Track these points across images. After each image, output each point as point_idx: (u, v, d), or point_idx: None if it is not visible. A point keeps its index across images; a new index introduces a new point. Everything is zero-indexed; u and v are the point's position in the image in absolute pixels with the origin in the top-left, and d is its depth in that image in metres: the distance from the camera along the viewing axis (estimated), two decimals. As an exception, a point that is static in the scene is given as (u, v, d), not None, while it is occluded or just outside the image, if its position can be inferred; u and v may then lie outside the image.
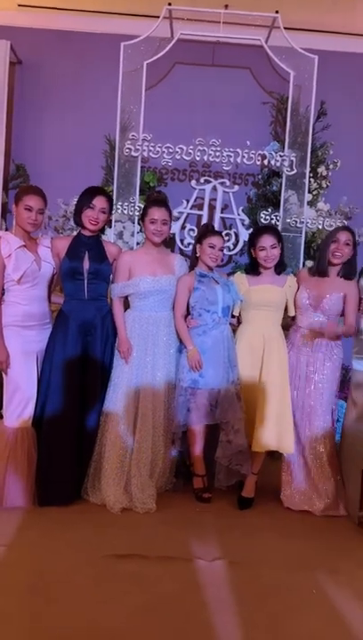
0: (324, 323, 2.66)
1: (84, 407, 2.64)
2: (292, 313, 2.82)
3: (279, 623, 1.86)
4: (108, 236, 3.52)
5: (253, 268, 2.83)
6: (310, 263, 3.47)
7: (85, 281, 2.63)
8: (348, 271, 2.72)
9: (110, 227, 3.54)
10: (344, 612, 1.95)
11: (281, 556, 2.30)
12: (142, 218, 2.79)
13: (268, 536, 2.47)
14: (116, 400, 2.66)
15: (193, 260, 2.87)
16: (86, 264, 2.63)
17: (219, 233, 2.91)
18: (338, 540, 2.47)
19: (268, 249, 2.71)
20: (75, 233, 2.79)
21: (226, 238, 3.52)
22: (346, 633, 1.83)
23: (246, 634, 1.79)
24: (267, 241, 2.72)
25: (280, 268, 2.81)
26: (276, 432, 2.67)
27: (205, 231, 2.85)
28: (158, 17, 3.45)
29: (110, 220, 3.52)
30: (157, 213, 2.72)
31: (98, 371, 2.67)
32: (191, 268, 2.86)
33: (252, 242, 2.79)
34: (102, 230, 3.60)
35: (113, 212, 3.47)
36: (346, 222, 3.58)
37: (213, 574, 2.12)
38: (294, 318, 2.84)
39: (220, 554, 2.26)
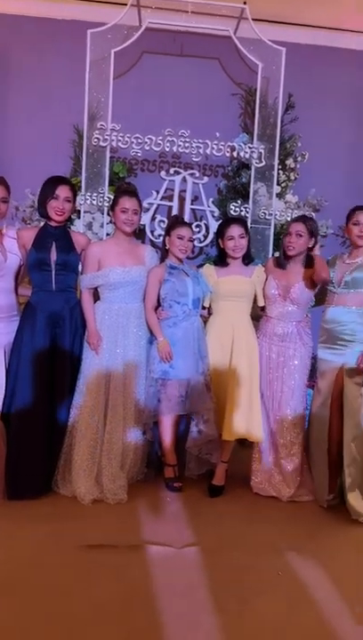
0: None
1: (54, 400, 2.63)
2: (261, 303, 2.86)
3: (247, 605, 1.91)
4: (78, 227, 3.49)
5: (221, 259, 2.85)
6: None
7: (53, 272, 2.60)
8: (308, 263, 2.74)
9: (79, 217, 3.50)
10: (309, 592, 2.01)
11: (249, 540, 2.35)
12: (113, 208, 2.78)
13: (237, 522, 2.52)
14: (87, 392, 2.65)
15: (163, 252, 2.88)
16: (54, 255, 2.60)
17: (187, 224, 2.92)
18: (304, 524, 2.54)
19: (236, 238, 2.74)
20: (42, 223, 2.75)
21: (196, 230, 3.54)
22: (311, 611, 1.90)
23: (214, 616, 1.83)
24: (235, 230, 2.75)
25: (248, 259, 2.85)
26: (245, 420, 2.72)
27: (174, 222, 2.87)
28: (126, 4, 3.41)
29: (78, 211, 3.49)
30: (128, 203, 2.71)
31: (67, 363, 2.65)
32: (162, 259, 2.86)
33: (220, 232, 2.81)
34: (71, 221, 3.58)
35: (82, 202, 3.45)
36: (314, 214, 3.64)
37: (182, 561, 2.16)
38: (263, 309, 2.88)
39: (189, 541, 2.30)
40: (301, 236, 2.72)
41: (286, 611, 1.89)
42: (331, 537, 2.43)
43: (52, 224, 2.66)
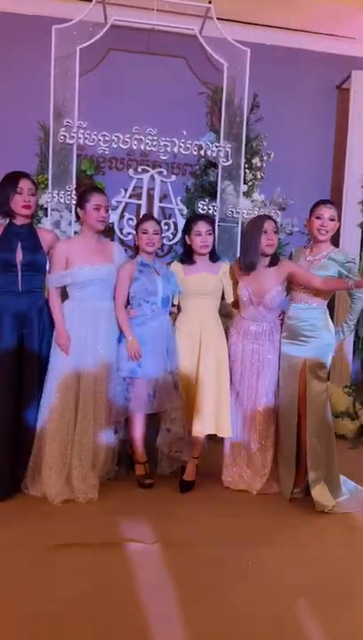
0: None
1: (21, 401, 2.60)
2: (230, 299, 2.90)
3: (216, 595, 1.95)
4: (45, 225, 3.44)
5: (188, 256, 2.87)
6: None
7: (19, 273, 2.56)
8: (272, 261, 2.78)
9: (46, 215, 3.47)
10: (277, 581, 2.07)
11: (220, 534, 2.40)
12: (82, 205, 2.72)
13: (207, 516, 2.56)
14: (56, 392, 2.63)
15: (135, 250, 2.90)
16: (19, 255, 2.56)
17: (153, 218, 2.93)
18: (273, 517, 2.60)
19: (203, 234, 2.77)
20: (6, 222, 2.69)
21: (164, 227, 3.55)
22: (279, 600, 1.95)
23: (184, 607, 1.86)
24: (202, 227, 2.77)
25: (214, 256, 2.88)
26: (214, 417, 2.76)
27: (141, 218, 2.91)
28: (91, 1, 3.38)
29: (46, 209, 3.45)
30: (100, 199, 2.70)
31: (35, 364, 2.63)
32: (133, 257, 2.87)
33: (187, 228, 2.84)
34: (38, 220, 3.53)
35: (49, 200, 3.41)
36: (280, 213, 3.71)
37: (153, 556, 2.19)
38: (234, 304, 2.92)
39: (160, 536, 2.33)
40: (276, 232, 2.75)
41: (257, 600, 1.94)
42: (298, 528, 2.50)
43: (18, 222, 2.61)
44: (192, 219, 2.90)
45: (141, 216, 3.16)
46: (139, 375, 2.70)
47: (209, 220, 2.89)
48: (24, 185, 2.55)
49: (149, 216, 2.97)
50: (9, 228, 2.62)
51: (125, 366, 2.70)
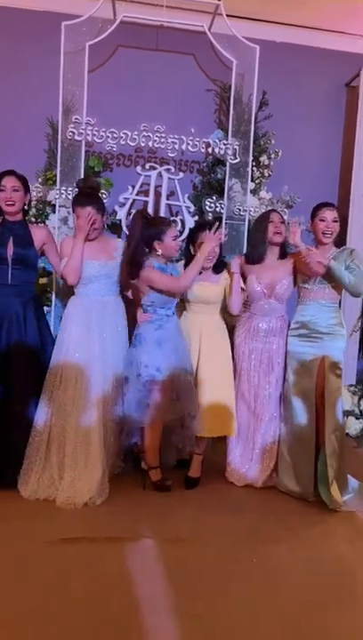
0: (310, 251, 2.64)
1: (13, 397, 2.59)
2: (233, 312, 2.88)
3: (221, 592, 1.96)
4: (52, 221, 3.46)
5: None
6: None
7: (9, 267, 2.61)
8: (282, 253, 2.85)
9: (54, 212, 3.48)
10: (282, 578, 2.08)
11: (225, 530, 2.41)
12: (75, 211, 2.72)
13: (212, 513, 2.57)
14: (62, 388, 2.62)
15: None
16: (10, 250, 2.61)
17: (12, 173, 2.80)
18: (277, 514, 2.61)
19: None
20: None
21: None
22: (283, 597, 1.96)
23: (187, 604, 1.87)
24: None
25: (219, 268, 2.83)
26: (220, 419, 2.77)
27: (168, 224, 2.79)
28: (101, -3, 3.38)
29: (53, 206, 3.46)
30: (82, 212, 2.65)
31: (22, 358, 2.63)
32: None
33: (193, 237, 2.82)
34: (46, 216, 3.55)
35: (57, 196, 3.41)
36: (287, 211, 3.70)
37: (157, 552, 2.20)
38: (245, 305, 2.90)
39: (165, 533, 2.34)
40: (283, 223, 2.81)
41: (261, 597, 1.95)
42: (303, 526, 2.50)
43: (10, 218, 2.67)
44: (197, 228, 2.87)
45: (159, 218, 2.94)
46: (160, 378, 2.65)
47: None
48: (7, 183, 2.63)
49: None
50: (2, 224, 2.68)
51: (144, 372, 2.64)
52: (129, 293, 2.93)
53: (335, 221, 2.75)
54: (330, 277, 2.69)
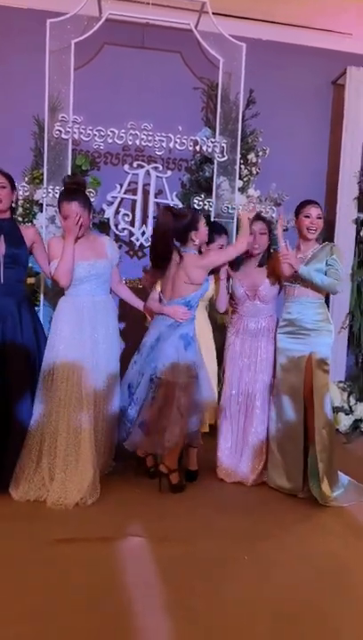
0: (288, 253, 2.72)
1: (10, 398, 2.57)
2: (221, 309, 2.98)
3: (215, 590, 1.96)
4: (40, 220, 3.44)
5: None
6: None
7: (2, 266, 2.57)
8: (261, 262, 2.91)
9: (42, 211, 3.45)
10: (276, 576, 2.08)
11: (218, 528, 2.41)
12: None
13: (205, 511, 2.58)
14: (54, 389, 2.59)
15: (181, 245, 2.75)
16: (2, 248, 2.57)
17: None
18: (270, 511, 2.62)
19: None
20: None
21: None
22: (277, 594, 1.97)
23: (182, 603, 1.87)
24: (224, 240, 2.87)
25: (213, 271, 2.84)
26: (208, 412, 2.84)
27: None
28: (86, -6, 3.36)
29: (41, 205, 3.44)
30: (67, 207, 2.62)
31: (20, 358, 2.61)
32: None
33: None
34: (33, 215, 3.52)
35: (44, 195, 3.39)
36: (275, 209, 3.71)
37: (151, 551, 2.19)
38: (228, 311, 2.98)
39: (159, 531, 2.34)
40: (263, 234, 2.84)
41: (256, 595, 1.95)
42: (296, 523, 2.51)
43: None
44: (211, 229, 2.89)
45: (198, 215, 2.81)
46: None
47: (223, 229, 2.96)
48: None
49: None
50: None
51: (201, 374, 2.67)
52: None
53: (320, 218, 2.80)
54: (302, 280, 2.74)
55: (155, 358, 2.64)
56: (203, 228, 2.70)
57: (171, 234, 2.64)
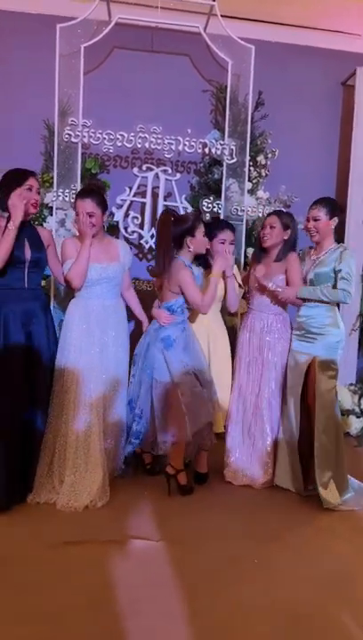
0: (281, 287, 2.78)
1: (33, 403, 2.56)
2: (232, 309, 2.98)
3: (222, 592, 1.96)
4: (50, 223, 3.46)
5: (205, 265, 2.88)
6: (250, 250, 3.57)
7: (26, 270, 2.56)
8: (279, 257, 2.85)
9: (51, 214, 3.48)
10: (284, 577, 2.08)
11: (226, 530, 2.41)
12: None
13: (212, 513, 2.57)
14: (65, 393, 2.61)
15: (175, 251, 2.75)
16: (28, 252, 2.55)
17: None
18: (278, 513, 2.61)
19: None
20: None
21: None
22: (285, 597, 1.96)
23: (189, 604, 1.87)
24: (228, 236, 2.83)
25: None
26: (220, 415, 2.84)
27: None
28: (95, -1, 3.38)
29: (51, 208, 3.46)
30: (81, 206, 2.63)
31: (45, 363, 2.60)
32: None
33: (210, 235, 2.82)
34: (43, 218, 3.54)
35: (54, 199, 3.41)
36: (285, 210, 3.69)
37: (159, 553, 2.20)
38: (235, 313, 3.02)
39: (166, 533, 2.34)
40: (273, 227, 2.82)
41: (264, 597, 1.95)
42: (305, 525, 2.50)
43: (23, 220, 2.61)
44: (211, 225, 2.90)
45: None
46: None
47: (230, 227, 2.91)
48: (32, 182, 2.57)
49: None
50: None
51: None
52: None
53: (316, 219, 2.74)
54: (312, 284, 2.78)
55: (149, 365, 2.70)
56: (201, 237, 2.68)
57: (170, 237, 2.64)
